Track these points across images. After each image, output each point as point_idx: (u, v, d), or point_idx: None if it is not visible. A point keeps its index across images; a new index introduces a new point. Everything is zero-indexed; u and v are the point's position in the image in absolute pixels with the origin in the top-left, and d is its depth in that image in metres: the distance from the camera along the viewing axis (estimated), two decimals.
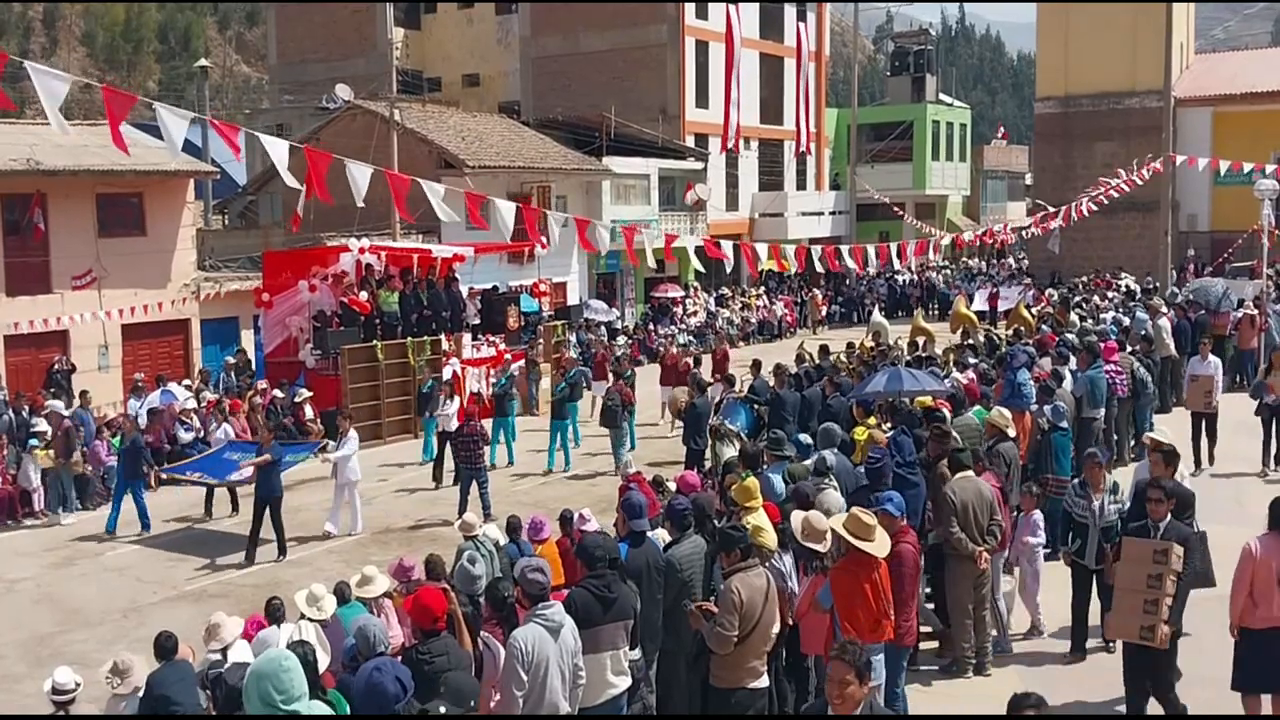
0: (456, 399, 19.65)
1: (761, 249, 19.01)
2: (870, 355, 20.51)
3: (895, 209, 45.36)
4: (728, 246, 18.14)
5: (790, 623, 8.31)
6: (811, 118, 50.17)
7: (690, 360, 24.03)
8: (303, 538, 16.43)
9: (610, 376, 21.86)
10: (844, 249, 20.48)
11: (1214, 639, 10.07)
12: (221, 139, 12.18)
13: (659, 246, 18.79)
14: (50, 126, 11.95)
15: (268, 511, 15.34)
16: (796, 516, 8.54)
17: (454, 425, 18.81)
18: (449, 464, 19.89)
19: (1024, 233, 31.41)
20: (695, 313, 38.90)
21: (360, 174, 12.80)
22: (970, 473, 10.42)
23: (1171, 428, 16.76)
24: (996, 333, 25.80)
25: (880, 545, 7.87)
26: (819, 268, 20.46)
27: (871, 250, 22.06)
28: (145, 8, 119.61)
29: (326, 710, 5.93)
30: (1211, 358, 17.57)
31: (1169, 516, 8.65)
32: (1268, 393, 16.43)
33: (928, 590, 10.69)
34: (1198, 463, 16.36)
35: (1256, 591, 8.26)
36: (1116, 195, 30.13)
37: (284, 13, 50.71)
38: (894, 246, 22.36)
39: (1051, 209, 30.28)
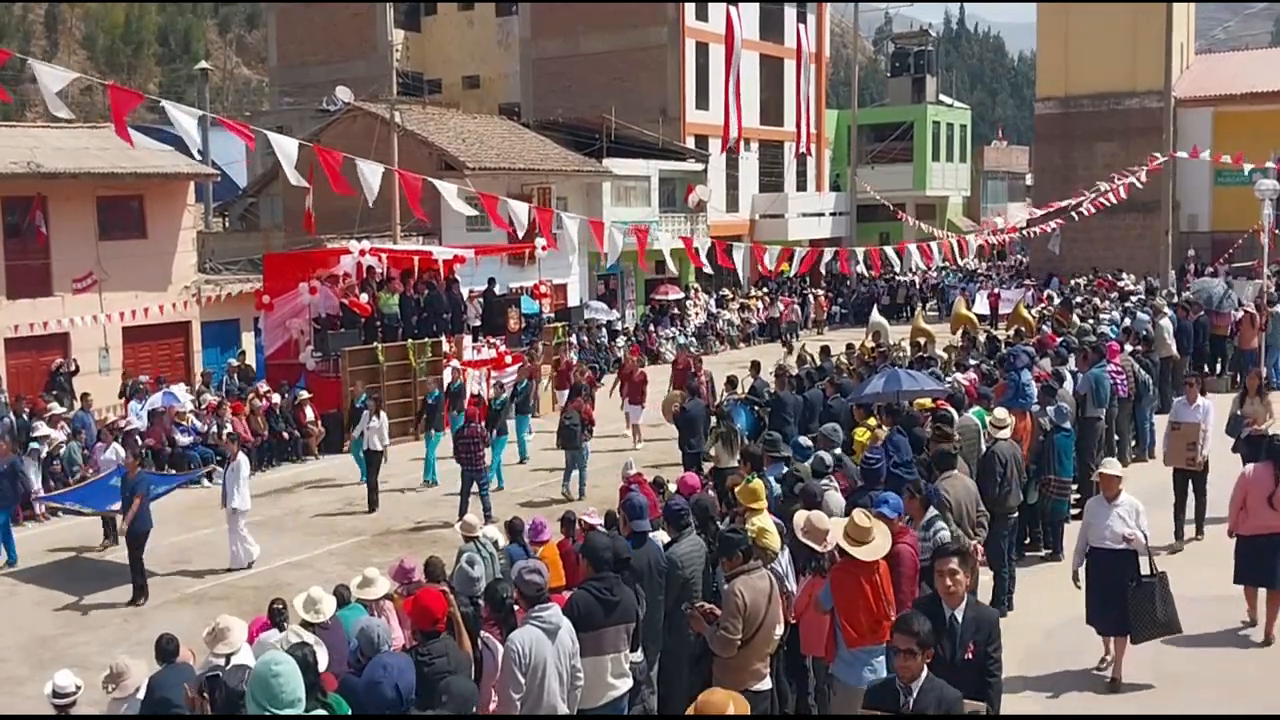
0: (384, 415, 18.74)
1: (772, 252, 19.01)
2: (871, 356, 20.50)
3: (897, 211, 45.34)
4: (739, 249, 18.11)
5: (793, 621, 8.32)
6: (812, 119, 50.16)
7: (646, 372, 23.19)
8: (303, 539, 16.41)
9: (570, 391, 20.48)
10: (859, 251, 20.48)
11: (1215, 642, 10.10)
12: (232, 135, 12.23)
13: (675, 248, 18.79)
14: (51, 130, 12.02)
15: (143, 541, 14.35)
16: (800, 515, 8.55)
17: (378, 445, 18.20)
18: (424, 477, 19.60)
19: (1025, 233, 31.47)
20: (696, 314, 38.88)
21: (371, 173, 12.83)
22: (956, 471, 10.45)
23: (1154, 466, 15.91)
24: (996, 333, 25.80)
25: (876, 548, 7.79)
26: (833, 268, 20.42)
27: (891, 252, 22.06)
28: (145, 10, 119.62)
29: (322, 713, 5.92)
30: (1201, 401, 13.58)
31: (925, 670, 6.01)
32: (1245, 424, 13.75)
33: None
34: (1180, 533, 13.34)
35: (1249, 506, 10.49)
36: (1115, 200, 30.17)
37: (284, 15, 50.73)
38: (913, 247, 22.36)
39: (1020, 222, 30.40)
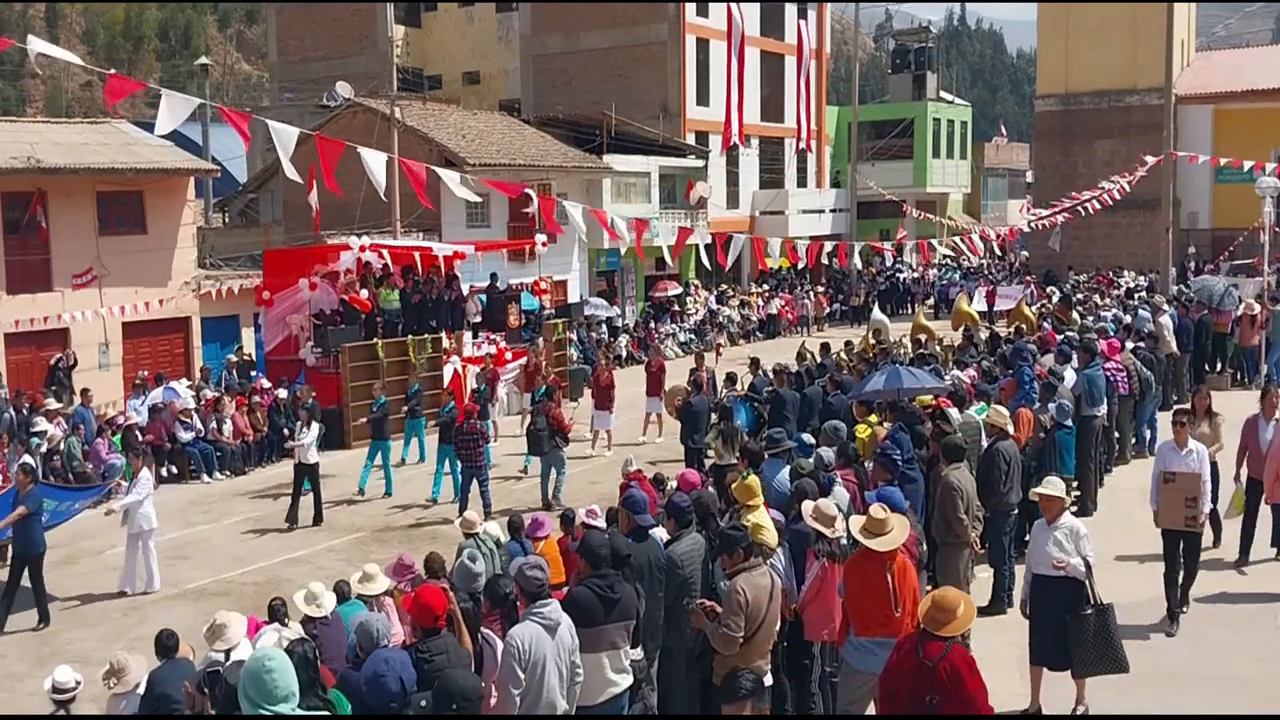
0: (316, 426, 17.43)
1: (774, 244, 18.96)
2: (871, 353, 20.48)
3: (905, 206, 45.36)
4: (740, 240, 18.06)
5: (790, 618, 8.32)
6: (812, 115, 50.12)
7: (613, 377, 21.91)
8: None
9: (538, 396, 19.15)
10: (856, 246, 20.43)
11: (1216, 639, 10.07)
12: (232, 130, 12.24)
13: (673, 243, 18.80)
14: (50, 125, 12.05)
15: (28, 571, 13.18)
16: (808, 503, 8.59)
17: (311, 457, 17.07)
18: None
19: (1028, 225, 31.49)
20: (695, 311, 38.87)
21: (375, 162, 12.80)
22: (963, 464, 10.45)
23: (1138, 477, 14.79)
24: (997, 330, 25.80)
25: (891, 539, 7.77)
26: (831, 263, 20.41)
27: (889, 245, 21.99)
28: (145, 5, 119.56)
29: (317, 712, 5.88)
30: (1194, 445, 11.08)
31: None
32: None
33: (929, 587, 10.70)
34: (1173, 610, 10.90)
35: None
36: (1119, 196, 30.15)
37: (284, 11, 50.66)
38: (911, 244, 22.35)
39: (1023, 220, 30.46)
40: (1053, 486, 9.28)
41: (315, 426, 17.43)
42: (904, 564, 7.86)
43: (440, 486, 18.09)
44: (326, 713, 6.04)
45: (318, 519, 17.20)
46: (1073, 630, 8.83)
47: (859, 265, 26.69)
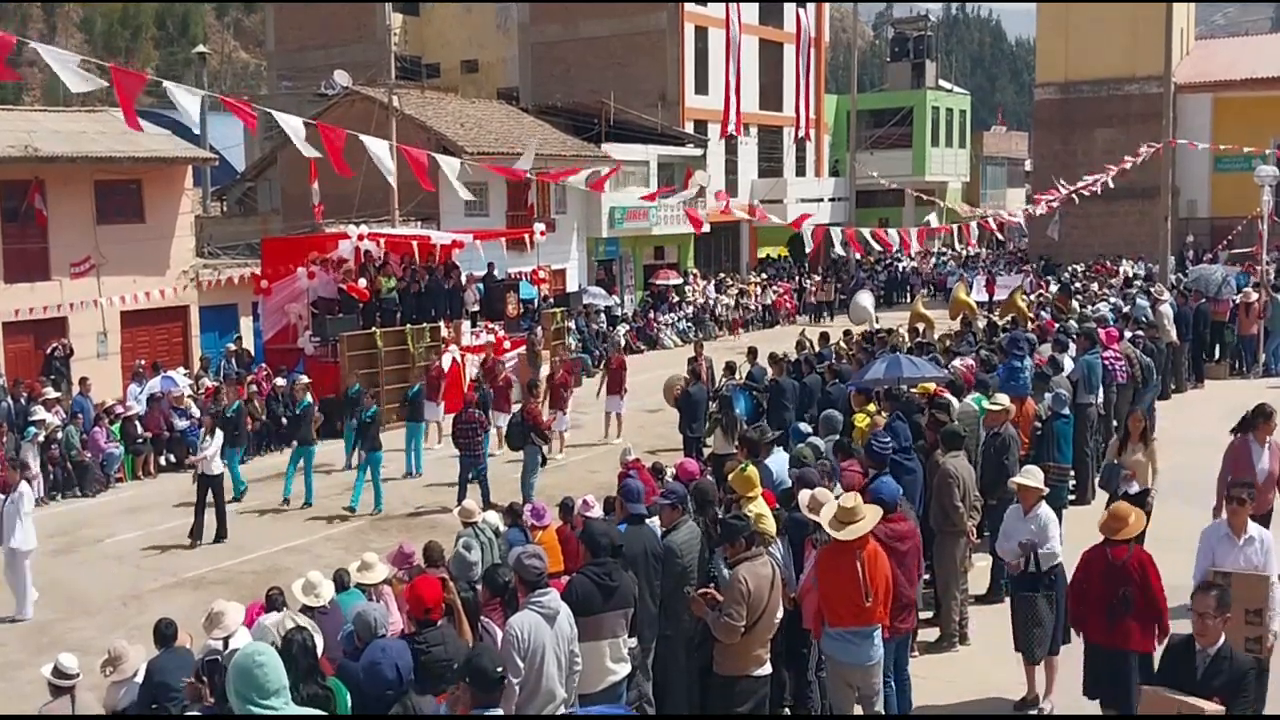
0: (220, 434, 16.29)
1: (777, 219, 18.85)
2: (869, 342, 20.45)
3: (923, 196, 45.30)
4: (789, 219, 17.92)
5: (790, 607, 8.32)
6: (811, 104, 50.01)
7: (568, 376, 21.33)
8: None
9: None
10: (866, 231, 20.40)
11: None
12: (230, 118, 12.36)
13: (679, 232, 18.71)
14: (48, 113, 12.06)
15: None
16: (804, 493, 8.60)
17: (215, 469, 15.97)
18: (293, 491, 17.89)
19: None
20: (694, 299, 38.81)
21: (379, 150, 12.84)
22: (961, 452, 10.45)
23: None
24: (995, 319, 25.74)
25: (857, 528, 7.69)
26: (839, 250, 20.41)
27: (893, 232, 22.03)
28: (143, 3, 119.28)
29: (310, 708, 5.85)
30: (1255, 531, 8.21)
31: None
32: (1126, 481, 10.99)
33: (927, 577, 10.70)
34: None
35: None
36: (1116, 183, 30.13)
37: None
38: (911, 230, 22.32)
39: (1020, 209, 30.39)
40: (1031, 477, 9.31)
41: (218, 434, 16.31)
42: (874, 551, 7.80)
43: (360, 494, 17.21)
44: (320, 710, 6.01)
45: (220, 534, 15.96)
46: (1015, 611, 9.19)
47: (860, 250, 26.39)
